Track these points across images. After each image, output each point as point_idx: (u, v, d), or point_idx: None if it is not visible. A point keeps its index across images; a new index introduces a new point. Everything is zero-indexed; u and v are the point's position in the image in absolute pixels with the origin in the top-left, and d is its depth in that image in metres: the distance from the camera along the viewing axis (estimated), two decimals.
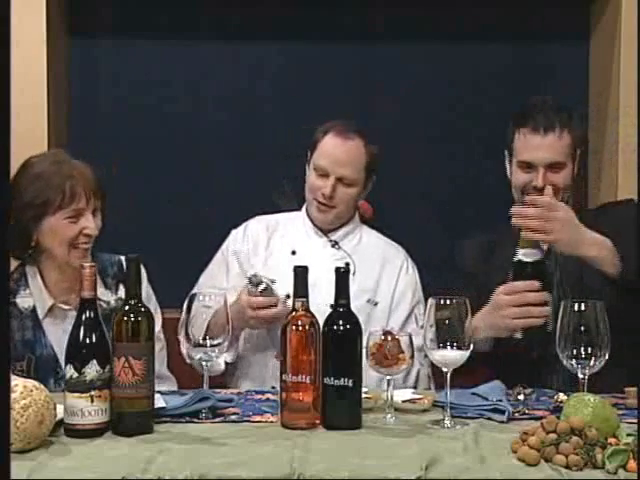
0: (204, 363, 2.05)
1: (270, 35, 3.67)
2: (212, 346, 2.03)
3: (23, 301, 2.40)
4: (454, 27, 3.68)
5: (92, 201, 2.38)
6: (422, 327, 2.68)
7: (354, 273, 2.64)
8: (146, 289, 2.55)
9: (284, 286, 2.62)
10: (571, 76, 3.75)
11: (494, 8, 3.66)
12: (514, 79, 3.74)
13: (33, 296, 2.41)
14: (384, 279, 2.74)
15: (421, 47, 3.72)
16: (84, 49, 3.67)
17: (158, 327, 2.50)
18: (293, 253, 2.73)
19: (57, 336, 2.36)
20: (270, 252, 2.76)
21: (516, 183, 2.61)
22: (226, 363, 2.61)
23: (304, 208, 2.81)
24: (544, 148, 2.54)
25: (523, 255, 2.31)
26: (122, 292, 2.45)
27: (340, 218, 2.75)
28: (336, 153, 2.68)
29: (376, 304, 2.69)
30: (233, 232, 2.81)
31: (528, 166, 2.56)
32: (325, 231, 2.77)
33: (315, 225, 2.77)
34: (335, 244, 2.76)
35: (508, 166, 2.66)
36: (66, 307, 2.41)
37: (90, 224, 2.37)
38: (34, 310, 2.40)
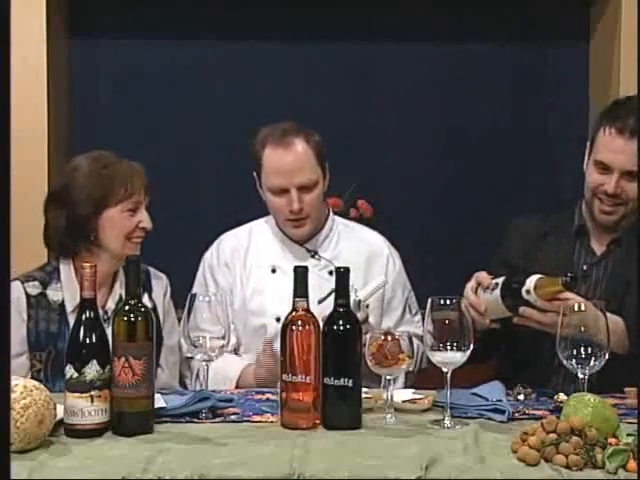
0: (204, 363, 2.04)
1: (270, 35, 3.67)
2: (212, 346, 2.03)
3: (54, 294, 2.43)
4: (454, 27, 3.68)
5: (147, 197, 2.47)
6: (416, 313, 2.67)
7: None
8: (168, 304, 2.57)
9: (272, 307, 2.55)
10: (571, 76, 3.76)
11: (494, 8, 3.67)
12: (514, 79, 3.75)
13: (64, 290, 2.43)
14: (371, 279, 2.58)
15: (421, 47, 3.73)
16: (84, 49, 3.68)
17: (175, 340, 2.52)
18: (273, 271, 2.61)
19: None
20: (249, 272, 2.64)
21: (588, 182, 2.43)
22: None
23: (273, 221, 2.66)
24: (625, 153, 2.34)
25: (530, 297, 2.16)
26: (146, 299, 2.45)
27: (317, 224, 2.62)
28: (284, 166, 2.52)
29: (367, 306, 2.54)
30: (207, 255, 2.70)
31: (604, 167, 2.37)
32: (301, 241, 2.63)
33: (290, 237, 2.63)
34: (314, 254, 2.62)
35: (586, 159, 2.47)
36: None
37: (145, 218, 2.45)
38: (62, 304, 2.42)
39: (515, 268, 2.40)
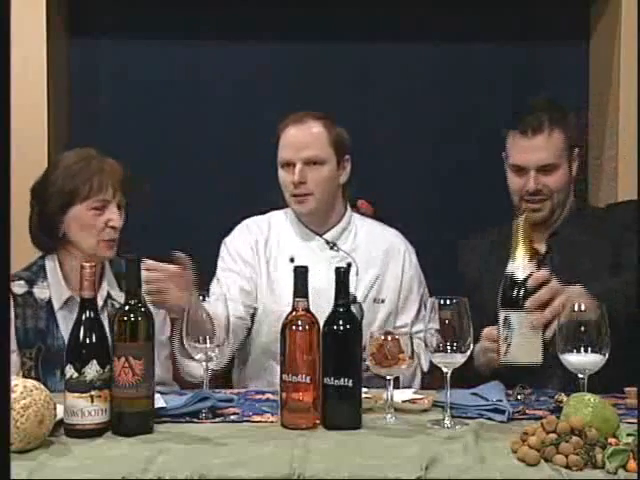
0: (204, 363, 2.04)
1: (270, 35, 3.67)
2: (212, 346, 2.03)
3: (40, 292, 2.44)
4: (454, 27, 3.68)
5: (118, 195, 2.45)
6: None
7: (357, 273, 2.60)
8: None
9: (288, 296, 2.57)
10: (571, 76, 3.75)
11: (494, 8, 3.66)
12: (514, 79, 3.75)
13: (50, 288, 2.44)
14: (389, 274, 2.67)
15: (421, 47, 3.72)
16: (84, 49, 3.68)
17: (166, 334, 2.52)
18: (292, 260, 2.64)
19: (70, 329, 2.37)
20: (268, 259, 2.68)
21: (512, 187, 2.59)
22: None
23: (292, 212, 2.72)
24: (533, 150, 2.50)
25: (516, 269, 2.10)
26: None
27: (325, 205, 2.65)
28: (296, 140, 2.61)
29: (383, 301, 2.64)
30: (228, 239, 2.73)
31: (520, 169, 2.53)
32: (320, 233, 2.69)
33: (309, 228, 2.69)
34: (333, 246, 2.67)
35: (507, 169, 2.62)
36: None
37: (115, 216, 2.43)
38: (50, 302, 2.44)
39: (471, 283, 2.50)
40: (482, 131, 3.73)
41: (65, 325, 2.41)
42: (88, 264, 1.92)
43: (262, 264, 2.69)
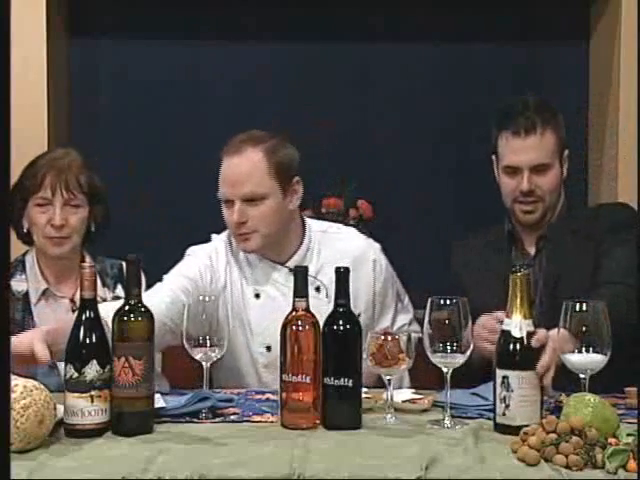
0: (204, 363, 2.04)
1: (270, 35, 3.67)
2: (212, 346, 2.03)
3: (17, 285, 2.49)
4: (454, 27, 3.68)
5: (62, 194, 2.45)
6: (404, 298, 2.63)
7: (327, 295, 2.40)
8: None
9: (260, 337, 2.42)
10: (571, 76, 3.76)
11: (494, 8, 3.67)
12: (514, 79, 3.75)
13: (28, 281, 2.50)
14: (361, 286, 2.47)
15: (421, 47, 3.73)
16: (84, 49, 3.68)
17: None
18: (257, 296, 2.48)
19: (47, 321, 2.39)
20: (230, 293, 2.48)
21: (504, 189, 2.57)
22: None
23: None
24: (526, 150, 2.49)
25: (514, 327, 1.93)
26: (119, 291, 2.54)
27: (274, 239, 2.43)
28: (232, 174, 2.40)
29: (359, 315, 2.40)
30: (200, 252, 2.53)
31: (513, 171, 2.52)
32: (282, 262, 2.48)
33: (268, 259, 2.48)
34: None
35: (496, 171, 2.61)
36: (59, 294, 2.51)
37: (55, 216, 2.45)
38: (27, 295, 2.49)
39: (464, 286, 2.45)
40: (482, 131, 3.73)
41: (43, 317, 2.46)
42: (87, 264, 1.92)
43: (223, 300, 2.43)
